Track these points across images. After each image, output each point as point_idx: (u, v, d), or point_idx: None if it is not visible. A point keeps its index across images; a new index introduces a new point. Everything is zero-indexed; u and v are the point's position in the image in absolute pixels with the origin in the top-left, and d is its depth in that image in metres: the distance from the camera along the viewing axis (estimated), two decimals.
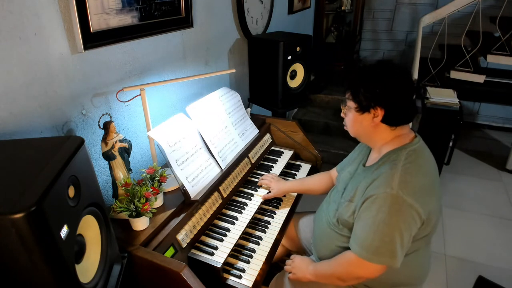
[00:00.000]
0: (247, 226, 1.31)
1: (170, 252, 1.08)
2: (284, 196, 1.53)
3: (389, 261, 0.99)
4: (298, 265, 1.24)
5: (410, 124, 1.15)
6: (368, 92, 1.03)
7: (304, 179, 1.53)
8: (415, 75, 2.94)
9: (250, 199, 1.43)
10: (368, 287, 1.16)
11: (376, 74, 1.06)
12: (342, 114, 1.17)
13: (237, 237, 1.24)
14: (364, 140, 1.16)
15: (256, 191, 1.48)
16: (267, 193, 1.46)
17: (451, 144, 2.97)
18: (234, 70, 1.65)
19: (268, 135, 1.80)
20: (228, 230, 1.26)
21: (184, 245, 1.14)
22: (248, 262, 1.19)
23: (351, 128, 1.14)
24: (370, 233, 0.99)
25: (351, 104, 1.09)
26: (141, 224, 1.09)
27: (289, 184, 1.49)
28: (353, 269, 1.05)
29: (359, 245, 1.02)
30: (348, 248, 1.08)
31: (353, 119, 1.11)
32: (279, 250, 1.53)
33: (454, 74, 3.06)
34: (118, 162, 1.14)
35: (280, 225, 1.37)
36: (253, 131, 1.68)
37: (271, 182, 1.48)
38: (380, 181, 1.01)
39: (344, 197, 1.15)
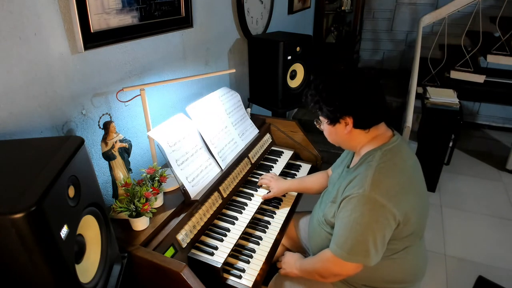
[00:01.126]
0: (247, 226, 1.31)
1: (170, 252, 1.08)
2: (284, 196, 1.53)
3: (362, 260, 1.02)
4: (287, 261, 1.29)
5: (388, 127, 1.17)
6: (330, 107, 1.07)
7: (303, 178, 1.54)
8: (415, 75, 2.94)
9: (250, 199, 1.43)
10: (363, 285, 1.17)
11: (331, 86, 1.08)
12: (319, 128, 1.21)
13: (237, 237, 1.24)
14: (345, 147, 1.20)
15: (256, 191, 1.48)
16: (267, 192, 1.46)
17: (451, 144, 2.97)
18: (234, 70, 1.65)
19: (268, 135, 1.80)
20: (228, 230, 1.26)
21: (184, 245, 1.14)
22: (248, 262, 1.19)
23: (331, 140, 1.18)
24: (345, 232, 1.02)
25: (322, 119, 1.14)
26: (141, 224, 1.09)
27: (289, 183, 1.49)
28: (331, 266, 1.09)
29: (336, 244, 1.05)
30: None
31: (328, 131, 1.16)
32: (279, 249, 1.53)
33: (454, 74, 3.07)
34: (118, 162, 1.14)
35: (280, 225, 1.37)
36: (253, 131, 1.68)
37: (270, 182, 1.48)
38: (355, 182, 1.04)
39: (328, 198, 1.19)
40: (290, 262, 1.28)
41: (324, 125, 1.15)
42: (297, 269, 1.24)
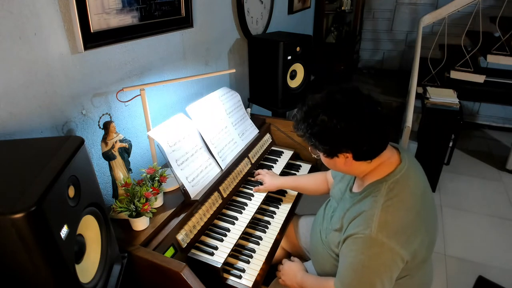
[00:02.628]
0: (247, 226, 1.31)
1: (170, 252, 1.08)
2: (284, 196, 1.53)
3: None
4: (287, 272, 1.26)
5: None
6: (325, 145, 0.96)
7: (299, 177, 1.53)
8: (415, 75, 2.94)
9: (250, 199, 1.43)
10: None
11: (324, 121, 0.93)
12: (313, 156, 1.08)
13: (237, 237, 1.24)
14: (346, 174, 1.11)
15: None
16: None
17: (451, 144, 2.97)
18: (234, 70, 1.65)
19: (268, 135, 1.80)
20: (228, 230, 1.26)
21: (184, 245, 1.14)
22: (248, 262, 1.19)
23: (327, 166, 1.07)
24: (350, 273, 0.97)
25: (315, 150, 1.02)
26: (141, 224, 1.09)
27: (282, 180, 1.48)
28: None
29: (341, 282, 1.00)
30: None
31: (326, 162, 1.05)
32: (279, 252, 1.53)
33: (454, 74, 3.07)
34: (118, 162, 1.14)
35: (280, 225, 1.37)
36: (253, 131, 1.68)
37: (264, 176, 1.48)
38: (360, 220, 0.96)
39: (332, 224, 1.12)
40: (290, 274, 1.24)
41: (321, 156, 1.05)
42: (297, 283, 1.20)
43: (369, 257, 0.93)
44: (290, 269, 1.25)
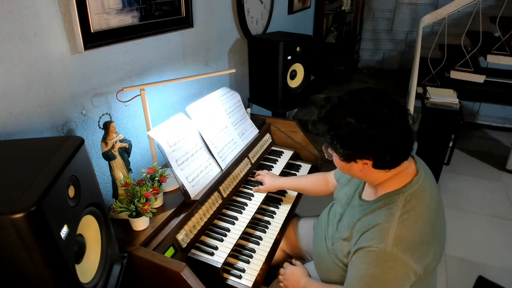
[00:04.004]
0: (247, 226, 1.31)
1: (170, 252, 1.08)
2: (284, 196, 1.53)
3: None
4: (289, 278, 1.23)
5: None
6: (347, 148, 0.91)
7: (299, 178, 1.53)
8: (415, 75, 2.94)
9: (250, 199, 1.43)
10: None
11: (350, 123, 0.88)
12: (326, 156, 1.03)
13: (237, 237, 1.24)
14: (358, 179, 1.06)
15: None
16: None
17: (451, 144, 2.97)
18: (234, 70, 1.65)
19: (268, 135, 1.80)
20: (228, 230, 1.26)
21: (184, 245, 1.14)
22: (248, 262, 1.19)
23: (339, 169, 1.03)
24: (360, 284, 0.94)
25: (333, 152, 0.97)
26: (141, 224, 1.09)
27: (282, 181, 1.48)
28: None
29: None
30: (344, 281, 1.03)
31: (340, 166, 0.99)
32: (280, 254, 1.52)
33: (454, 74, 3.06)
34: (118, 162, 1.14)
35: (280, 225, 1.37)
36: (253, 131, 1.68)
37: (264, 177, 1.48)
38: (374, 232, 0.92)
39: (339, 232, 1.09)
40: (292, 280, 1.21)
41: (335, 158, 0.99)
42: None
43: (382, 270, 0.90)
44: (293, 274, 1.22)
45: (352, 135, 0.88)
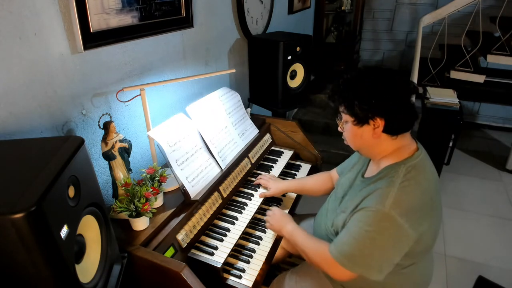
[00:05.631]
0: (247, 226, 1.31)
1: (170, 252, 1.08)
2: (284, 196, 1.53)
3: (362, 272, 0.98)
4: (278, 219, 1.25)
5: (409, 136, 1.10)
6: (364, 104, 0.98)
7: (303, 179, 1.53)
8: (415, 75, 2.94)
9: (250, 199, 1.43)
10: None
11: (368, 82, 1.00)
12: (339, 129, 1.12)
13: (237, 237, 1.24)
14: (365, 153, 1.12)
15: (256, 191, 1.48)
16: (265, 191, 1.46)
17: (451, 144, 2.97)
18: (234, 70, 1.65)
19: (268, 135, 1.80)
20: (228, 230, 1.26)
21: (184, 245, 1.14)
22: (248, 262, 1.19)
23: (352, 143, 1.09)
24: (352, 241, 0.97)
25: (347, 118, 1.04)
26: (141, 224, 1.09)
27: (287, 184, 1.48)
28: (323, 263, 1.05)
29: (338, 249, 1.01)
30: None
31: (352, 133, 1.06)
32: (280, 252, 1.52)
33: (454, 74, 3.06)
34: (118, 162, 1.14)
35: None
36: (253, 131, 1.68)
37: (268, 182, 1.47)
38: (374, 196, 0.98)
39: (340, 207, 1.12)
40: (280, 221, 1.23)
41: (348, 125, 1.05)
42: (287, 232, 1.20)
43: (376, 230, 0.94)
44: (283, 217, 1.25)
45: (371, 90, 0.98)
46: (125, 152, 1.16)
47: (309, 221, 1.51)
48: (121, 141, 1.14)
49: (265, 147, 1.73)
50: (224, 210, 1.36)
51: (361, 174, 1.16)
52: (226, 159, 1.44)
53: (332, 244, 1.04)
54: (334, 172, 1.43)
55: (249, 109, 1.76)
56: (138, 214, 1.06)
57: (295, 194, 1.54)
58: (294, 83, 2.15)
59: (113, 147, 1.11)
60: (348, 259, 0.98)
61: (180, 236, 1.13)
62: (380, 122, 0.99)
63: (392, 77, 1.00)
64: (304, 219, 1.55)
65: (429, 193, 1.00)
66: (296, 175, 1.68)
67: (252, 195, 1.45)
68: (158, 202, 1.20)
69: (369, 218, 0.96)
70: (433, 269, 1.21)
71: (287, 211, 1.45)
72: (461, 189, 2.87)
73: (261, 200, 1.43)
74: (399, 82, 1.00)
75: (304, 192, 1.50)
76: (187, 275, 0.94)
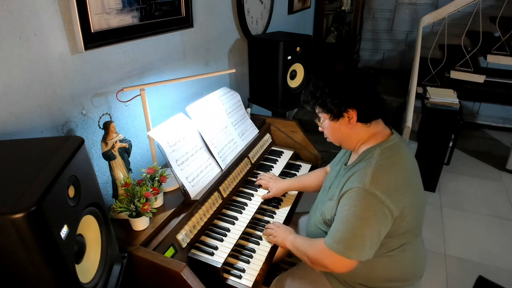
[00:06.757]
0: (247, 226, 1.31)
1: (170, 252, 1.08)
2: (284, 196, 1.53)
3: (357, 256, 1.02)
4: (281, 232, 1.27)
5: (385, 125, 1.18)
6: (335, 99, 1.07)
7: (302, 177, 1.55)
8: (415, 75, 2.94)
9: (250, 199, 1.43)
10: (361, 284, 1.16)
11: (334, 81, 1.10)
12: (320, 129, 1.21)
13: (237, 237, 1.24)
14: (346, 145, 1.19)
15: (256, 191, 1.48)
16: (267, 193, 1.46)
17: (451, 144, 2.97)
18: (234, 70, 1.65)
19: (268, 135, 1.80)
20: (228, 230, 1.26)
21: (184, 245, 1.14)
22: (248, 262, 1.19)
23: (333, 138, 1.18)
24: (342, 226, 1.03)
25: (324, 116, 1.14)
26: (141, 224, 1.09)
27: (288, 183, 1.49)
28: (321, 257, 1.08)
29: (331, 237, 1.05)
30: None
31: (331, 129, 1.15)
32: (280, 250, 1.53)
33: (454, 74, 3.07)
34: (118, 162, 1.14)
35: None
36: (253, 131, 1.68)
37: (269, 182, 1.48)
38: (354, 177, 1.05)
39: (328, 196, 1.19)
40: (284, 234, 1.25)
41: (326, 123, 1.15)
42: (289, 243, 1.21)
43: (361, 208, 1.00)
44: (286, 230, 1.27)
45: (337, 86, 1.08)
46: (125, 152, 1.16)
47: (306, 217, 1.52)
48: (121, 141, 1.14)
49: (265, 147, 1.73)
50: (224, 210, 1.36)
51: (343, 164, 1.23)
52: (226, 159, 1.44)
53: (326, 236, 1.08)
54: (328, 168, 1.48)
55: (249, 109, 1.76)
56: (138, 214, 1.06)
57: (296, 193, 1.54)
58: (294, 83, 2.15)
59: (113, 147, 1.11)
60: (342, 245, 1.02)
61: (180, 236, 1.13)
62: (352, 113, 1.08)
63: (356, 71, 1.13)
64: (303, 216, 1.56)
65: (405, 171, 1.07)
66: (296, 175, 1.68)
67: (252, 195, 1.45)
68: (158, 202, 1.20)
69: (353, 198, 1.02)
70: (424, 261, 1.23)
71: (288, 208, 1.45)
72: (461, 189, 2.87)
73: (261, 200, 1.43)
74: (363, 75, 1.11)
75: (304, 189, 1.52)
76: (187, 275, 0.94)
